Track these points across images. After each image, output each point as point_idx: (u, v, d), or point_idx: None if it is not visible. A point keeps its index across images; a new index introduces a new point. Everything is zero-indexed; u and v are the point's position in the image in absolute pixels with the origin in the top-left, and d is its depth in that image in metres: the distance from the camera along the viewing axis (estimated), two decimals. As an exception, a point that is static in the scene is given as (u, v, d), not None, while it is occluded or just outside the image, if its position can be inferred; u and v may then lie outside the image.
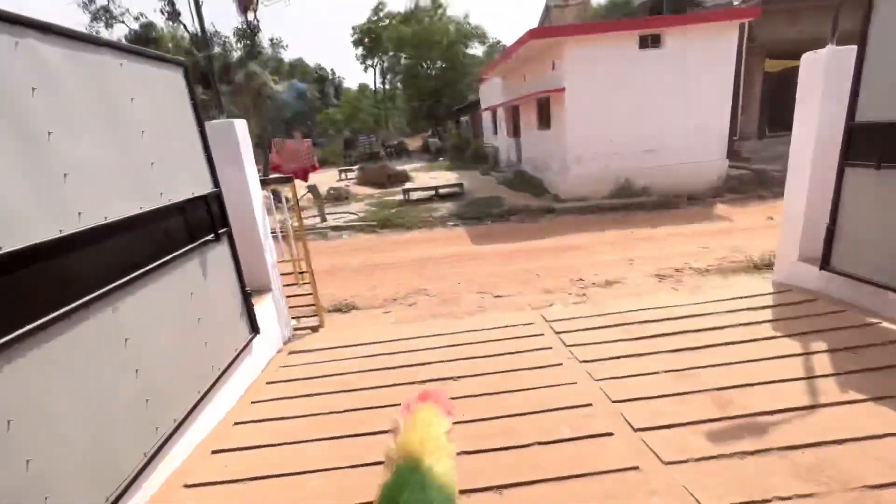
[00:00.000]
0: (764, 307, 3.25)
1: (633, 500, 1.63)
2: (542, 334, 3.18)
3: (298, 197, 3.70)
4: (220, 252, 2.72)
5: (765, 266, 4.79)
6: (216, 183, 2.72)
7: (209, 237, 2.57)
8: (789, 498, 1.56)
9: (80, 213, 1.65)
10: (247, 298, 2.95)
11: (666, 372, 2.50)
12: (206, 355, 2.43)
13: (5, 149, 1.40)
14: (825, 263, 3.16)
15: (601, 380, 2.51)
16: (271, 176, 3.86)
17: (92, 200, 1.72)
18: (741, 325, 2.99)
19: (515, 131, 15.44)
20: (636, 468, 1.79)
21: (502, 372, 2.71)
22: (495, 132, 18.91)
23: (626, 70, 9.49)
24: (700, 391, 2.29)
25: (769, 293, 3.50)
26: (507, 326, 3.38)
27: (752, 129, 12.10)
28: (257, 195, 3.35)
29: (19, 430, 1.35)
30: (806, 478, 1.64)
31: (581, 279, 5.22)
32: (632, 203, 9.38)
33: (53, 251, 1.52)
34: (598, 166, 9.94)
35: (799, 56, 3.43)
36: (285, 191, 3.81)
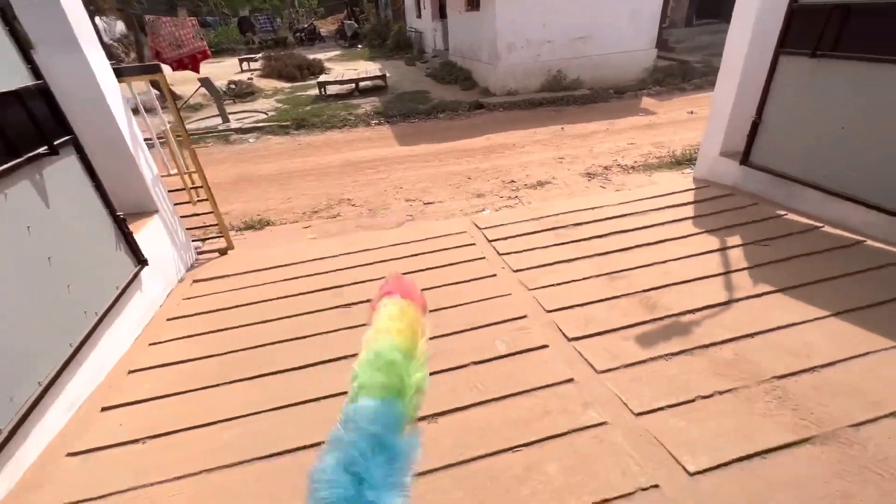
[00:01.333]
0: (684, 204, 3.31)
1: (569, 414, 1.62)
2: (474, 243, 3.03)
3: (191, 93, 2.93)
4: (66, 169, 2.09)
5: (686, 161, 4.92)
6: (37, 73, 1.99)
7: (42, 149, 1.93)
8: (710, 395, 1.64)
9: None
10: (120, 224, 2.40)
11: (598, 276, 2.49)
12: (72, 301, 1.97)
13: None
14: (745, 158, 3.21)
15: (535, 289, 2.45)
16: (133, 65, 3.00)
17: None
18: (664, 223, 3.03)
19: (441, 13, 13.87)
20: (571, 380, 1.78)
21: (436, 287, 2.56)
22: (419, 14, 16.87)
23: (562, -61, 8.46)
24: (629, 294, 2.31)
25: (689, 189, 3.56)
26: (438, 237, 3.17)
27: (681, 16, 11.85)
28: (113, 91, 2.58)
29: None
30: (724, 374, 1.73)
31: (512, 181, 5.07)
32: (563, 97, 9.09)
33: None
34: (530, 55, 9.31)
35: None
36: (137, 81, 3.01)
